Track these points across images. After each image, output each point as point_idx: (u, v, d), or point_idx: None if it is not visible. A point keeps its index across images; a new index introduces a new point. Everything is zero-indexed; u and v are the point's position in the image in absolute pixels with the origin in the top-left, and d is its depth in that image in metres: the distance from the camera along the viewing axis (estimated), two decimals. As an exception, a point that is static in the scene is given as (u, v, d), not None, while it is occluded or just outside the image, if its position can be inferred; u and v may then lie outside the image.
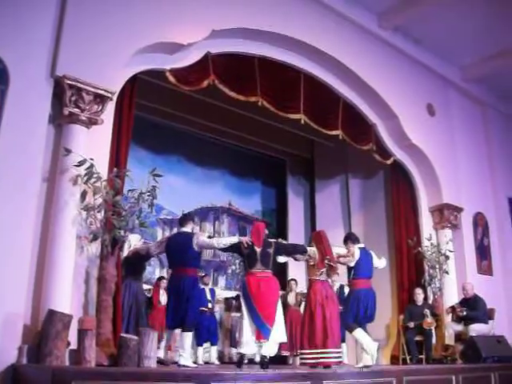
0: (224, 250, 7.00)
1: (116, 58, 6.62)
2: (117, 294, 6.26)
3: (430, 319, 8.95)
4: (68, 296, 5.63)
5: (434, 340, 9.12)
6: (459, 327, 9.13)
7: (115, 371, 4.69)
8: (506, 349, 8.71)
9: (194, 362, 8.21)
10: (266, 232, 6.95)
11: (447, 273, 9.86)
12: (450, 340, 9.22)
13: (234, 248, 6.80)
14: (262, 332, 6.28)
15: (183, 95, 9.02)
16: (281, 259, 7.11)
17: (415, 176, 10.65)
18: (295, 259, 7.46)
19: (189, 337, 6.55)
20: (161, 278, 9.35)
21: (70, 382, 4.02)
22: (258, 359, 6.84)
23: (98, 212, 6.01)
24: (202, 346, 9.06)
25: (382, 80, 9.94)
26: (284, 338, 6.64)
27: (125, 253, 7.03)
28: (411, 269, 10.14)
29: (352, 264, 7.50)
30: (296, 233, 12.08)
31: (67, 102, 6.05)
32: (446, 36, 10.50)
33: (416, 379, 6.36)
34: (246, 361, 6.83)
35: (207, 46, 7.75)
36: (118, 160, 6.76)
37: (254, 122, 10.83)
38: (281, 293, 10.47)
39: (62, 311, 5.29)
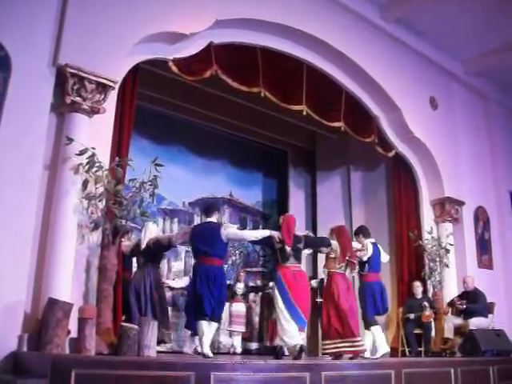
0: (254, 242, 7.05)
1: (119, 48, 6.60)
2: (117, 283, 6.27)
3: (428, 312, 8.97)
4: (68, 285, 5.64)
5: (433, 333, 9.14)
6: (459, 320, 9.14)
7: (115, 360, 4.70)
8: (505, 343, 8.74)
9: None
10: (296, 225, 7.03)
11: (447, 266, 9.88)
12: (449, 333, 9.24)
13: (264, 241, 6.87)
14: (299, 324, 6.46)
15: (185, 85, 8.99)
16: (307, 252, 7.27)
17: (417, 169, 10.65)
18: (319, 252, 7.64)
19: (215, 327, 6.53)
20: None
21: (69, 370, 4.02)
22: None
23: (100, 201, 6.02)
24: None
25: (384, 72, 9.92)
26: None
27: (144, 241, 6.94)
28: (411, 262, 10.15)
29: (365, 258, 7.88)
30: (297, 225, 12.04)
31: (69, 91, 6.04)
32: (448, 29, 10.46)
33: (415, 372, 6.37)
34: (285, 352, 6.82)
35: (210, 36, 7.74)
36: (119, 149, 6.76)
37: (256, 113, 10.81)
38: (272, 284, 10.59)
39: (63, 300, 5.30)
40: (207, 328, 6.38)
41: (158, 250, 7.17)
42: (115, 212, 6.02)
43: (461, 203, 10.66)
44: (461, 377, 6.85)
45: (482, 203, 11.36)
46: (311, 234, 7.66)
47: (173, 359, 5.55)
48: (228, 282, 10.39)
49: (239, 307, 9.96)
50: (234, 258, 11.87)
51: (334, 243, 7.40)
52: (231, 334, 9.90)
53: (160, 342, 6.60)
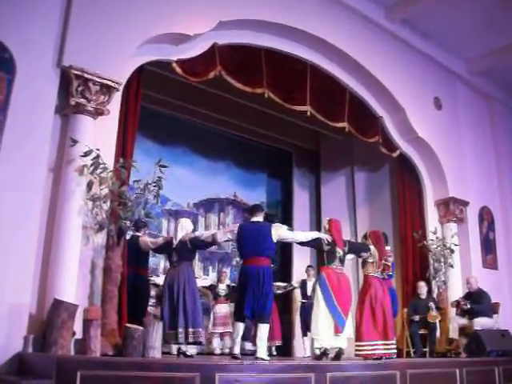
0: (302, 243, 7.06)
1: (123, 49, 6.61)
2: (122, 284, 6.27)
3: (434, 312, 8.95)
4: (73, 286, 5.65)
5: (438, 333, 9.12)
6: (463, 321, 9.12)
7: (120, 361, 4.71)
8: (510, 343, 8.69)
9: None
10: None
11: (452, 266, 9.87)
12: (454, 333, 9.22)
13: (312, 243, 6.98)
14: (339, 325, 6.60)
15: (189, 86, 9.01)
16: (349, 257, 7.40)
17: (421, 169, 10.64)
18: (360, 257, 7.70)
19: (267, 328, 6.45)
20: None
21: (75, 371, 4.03)
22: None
23: (104, 202, 6.03)
24: None
25: (388, 73, 9.92)
26: (352, 334, 6.99)
27: (177, 238, 6.74)
28: (416, 262, 10.14)
29: (389, 264, 8.11)
30: (301, 225, 12.04)
31: (74, 93, 6.06)
32: (452, 29, 10.46)
33: (420, 372, 6.36)
34: (330, 354, 6.78)
35: (214, 37, 7.75)
36: (124, 150, 6.78)
37: (260, 114, 10.82)
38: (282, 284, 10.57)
39: (68, 301, 5.31)
40: (242, 329, 6.42)
41: (197, 247, 7.00)
42: (120, 213, 6.03)
43: (465, 203, 10.64)
44: (466, 377, 6.83)
45: (487, 203, 11.34)
46: (352, 240, 8.00)
47: (177, 360, 5.57)
48: (210, 283, 10.42)
49: (222, 309, 9.93)
50: (238, 258, 11.88)
51: (373, 248, 7.56)
52: (222, 336, 9.87)
53: (197, 343, 6.59)
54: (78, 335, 5.33)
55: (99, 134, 6.21)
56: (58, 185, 5.93)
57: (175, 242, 6.74)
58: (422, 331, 9.09)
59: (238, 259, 11.71)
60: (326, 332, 6.61)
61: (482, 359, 7.89)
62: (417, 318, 9.06)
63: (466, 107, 11.63)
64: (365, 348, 7.10)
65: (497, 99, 12.51)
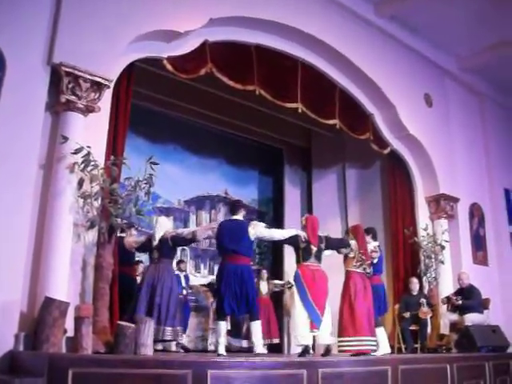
0: (280, 241, 7.10)
1: (113, 46, 6.59)
2: (113, 281, 6.27)
3: (425, 309, 8.99)
4: (65, 283, 5.63)
5: (429, 329, 9.16)
6: (454, 317, 9.17)
7: (112, 359, 4.69)
8: (501, 338, 8.77)
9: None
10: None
11: (443, 263, 9.92)
12: (445, 329, 9.27)
13: (290, 240, 6.98)
14: (314, 321, 6.59)
15: (180, 83, 8.99)
16: (327, 253, 7.33)
17: (412, 166, 10.67)
18: (339, 252, 7.69)
19: (259, 325, 6.51)
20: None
21: (66, 369, 4.02)
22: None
23: (95, 200, 6.01)
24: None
25: (379, 69, 9.93)
26: (331, 328, 6.93)
27: (157, 236, 6.84)
28: (407, 258, 10.18)
29: (375, 260, 8.12)
30: (292, 222, 12.04)
31: (64, 90, 6.03)
32: (442, 25, 10.47)
33: (411, 368, 6.38)
34: (311, 351, 6.86)
35: (205, 34, 7.73)
36: (114, 148, 6.77)
37: (251, 111, 10.81)
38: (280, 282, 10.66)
39: (59, 299, 5.30)
40: (225, 328, 6.46)
41: (177, 245, 7.08)
42: (111, 210, 6.02)
43: (456, 200, 10.69)
44: (457, 373, 6.86)
45: (477, 200, 11.40)
46: (330, 236, 7.73)
47: (170, 357, 5.56)
48: (209, 281, 10.44)
49: None
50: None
51: (353, 242, 7.61)
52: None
53: (174, 340, 6.60)
54: (70, 333, 5.31)
55: (90, 131, 6.18)
56: (48, 182, 5.90)
57: (156, 240, 6.82)
58: (413, 327, 9.14)
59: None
60: (304, 329, 6.61)
61: (472, 355, 7.92)
62: (408, 314, 9.10)
63: (457, 104, 11.67)
64: (348, 344, 7.16)
65: (487, 96, 12.56)
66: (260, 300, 10.10)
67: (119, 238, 7.24)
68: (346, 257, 7.66)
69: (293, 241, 6.97)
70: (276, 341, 10.01)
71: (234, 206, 7.02)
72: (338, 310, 7.41)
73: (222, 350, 6.30)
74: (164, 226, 6.98)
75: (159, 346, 6.99)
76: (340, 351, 7.24)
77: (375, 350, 7.39)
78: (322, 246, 7.05)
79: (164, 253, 6.85)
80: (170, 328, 6.50)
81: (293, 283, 10.44)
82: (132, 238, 7.51)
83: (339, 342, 7.23)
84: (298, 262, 6.98)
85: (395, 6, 10.00)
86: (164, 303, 6.55)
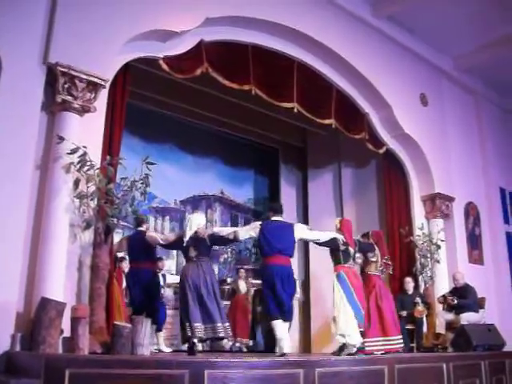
0: (320, 243, 7.14)
1: (109, 46, 6.58)
2: (110, 281, 6.27)
3: (421, 308, 9.01)
4: (61, 284, 5.63)
5: (425, 329, 9.18)
6: (450, 316, 9.18)
7: (109, 359, 4.70)
8: (497, 337, 8.78)
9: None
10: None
11: (438, 262, 9.93)
12: (440, 328, 9.29)
13: (330, 242, 7.09)
14: (360, 321, 6.89)
15: (176, 83, 8.98)
16: (358, 256, 7.69)
17: (407, 165, 10.69)
18: (366, 257, 7.97)
19: (287, 325, 6.56)
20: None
21: (63, 369, 4.02)
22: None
23: (91, 200, 6.00)
24: (162, 331, 8.55)
25: (375, 69, 9.94)
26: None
27: (188, 233, 6.61)
28: (403, 258, 10.18)
29: (391, 271, 8.72)
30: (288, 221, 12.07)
31: (60, 90, 6.02)
32: (439, 26, 10.49)
33: (407, 367, 6.39)
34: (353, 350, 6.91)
35: (201, 33, 7.72)
36: (110, 148, 6.76)
37: (247, 111, 10.80)
38: (230, 280, 10.79)
39: (56, 299, 5.29)
40: (283, 327, 6.45)
41: (216, 244, 6.98)
42: (107, 211, 6.02)
43: (451, 199, 10.71)
44: (453, 372, 6.88)
45: (472, 199, 11.42)
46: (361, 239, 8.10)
47: (167, 357, 5.56)
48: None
49: None
50: (225, 255, 11.89)
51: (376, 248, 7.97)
52: None
53: (221, 339, 6.60)
54: (66, 333, 5.30)
55: (86, 131, 6.17)
56: (44, 182, 5.89)
57: (186, 238, 6.61)
58: (409, 326, 9.13)
59: (225, 256, 11.75)
60: (352, 329, 6.80)
61: (468, 354, 7.95)
62: (404, 313, 9.10)
63: (453, 104, 11.69)
64: (371, 344, 7.37)
65: (483, 96, 12.59)
66: (238, 298, 10.23)
67: (139, 232, 7.29)
68: (366, 260, 7.94)
69: (333, 244, 7.10)
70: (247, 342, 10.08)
71: (279, 207, 7.08)
72: (365, 312, 7.42)
73: (286, 349, 6.28)
74: (196, 224, 6.75)
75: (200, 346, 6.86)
76: (369, 351, 7.30)
77: (403, 348, 7.74)
78: (356, 248, 7.36)
79: (202, 251, 6.66)
80: (224, 324, 6.41)
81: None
82: (156, 233, 7.44)
83: (368, 342, 7.33)
84: (337, 263, 7.15)
85: (392, 6, 10.02)
86: (213, 300, 6.43)
